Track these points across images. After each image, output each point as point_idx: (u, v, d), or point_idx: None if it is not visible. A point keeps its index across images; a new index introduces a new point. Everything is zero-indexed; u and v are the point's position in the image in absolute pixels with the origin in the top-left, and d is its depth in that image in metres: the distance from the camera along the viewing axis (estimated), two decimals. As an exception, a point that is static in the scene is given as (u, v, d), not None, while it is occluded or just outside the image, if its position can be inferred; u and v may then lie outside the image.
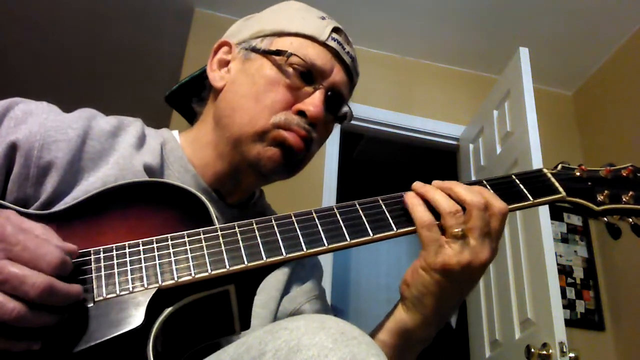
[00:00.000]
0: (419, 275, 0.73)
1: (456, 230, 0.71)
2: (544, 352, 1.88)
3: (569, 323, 2.32)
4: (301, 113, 0.86)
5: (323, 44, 0.89)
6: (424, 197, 0.74)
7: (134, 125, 0.87)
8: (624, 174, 0.86)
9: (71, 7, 3.22)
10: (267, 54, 0.88)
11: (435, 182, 0.76)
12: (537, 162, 2.16)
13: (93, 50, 3.52)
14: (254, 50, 0.90)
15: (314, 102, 0.86)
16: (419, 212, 0.72)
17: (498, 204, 0.73)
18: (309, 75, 0.87)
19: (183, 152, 0.90)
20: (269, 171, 0.86)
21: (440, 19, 3.07)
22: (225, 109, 0.89)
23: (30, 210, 0.71)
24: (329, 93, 0.89)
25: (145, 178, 0.80)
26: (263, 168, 0.86)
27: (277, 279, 0.91)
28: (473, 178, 2.78)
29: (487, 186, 0.80)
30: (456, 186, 0.74)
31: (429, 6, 2.99)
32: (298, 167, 0.90)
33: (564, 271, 2.77)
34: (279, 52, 0.87)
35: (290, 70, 0.87)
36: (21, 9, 3.23)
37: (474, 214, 0.71)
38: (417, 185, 0.76)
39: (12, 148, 0.74)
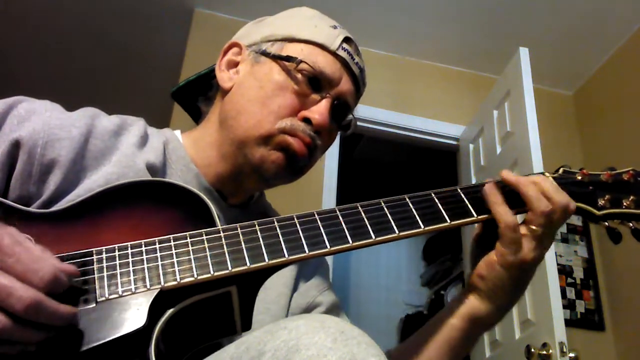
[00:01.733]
0: (496, 271, 0.77)
1: (537, 228, 0.75)
2: (544, 352, 1.89)
3: (569, 323, 2.32)
4: (307, 120, 0.86)
5: (333, 54, 0.89)
6: (516, 187, 0.78)
7: (136, 125, 0.87)
8: (625, 178, 0.86)
9: (71, 8, 3.22)
10: (277, 58, 0.89)
11: (526, 178, 0.79)
12: (537, 162, 2.16)
13: (93, 50, 3.52)
14: (264, 54, 0.90)
15: (320, 110, 0.86)
16: (504, 213, 0.76)
17: (573, 205, 0.78)
18: (317, 83, 0.88)
19: (185, 152, 0.90)
20: (271, 175, 0.87)
21: (440, 19, 3.07)
22: (231, 110, 0.89)
23: (33, 209, 0.71)
24: (336, 102, 0.89)
25: (148, 177, 0.80)
26: (266, 172, 0.86)
27: (284, 275, 0.91)
28: (473, 178, 2.78)
29: None
30: (545, 182, 0.78)
31: (429, 6, 2.99)
32: (300, 173, 0.91)
33: (564, 271, 2.77)
34: (289, 58, 0.87)
35: (299, 76, 0.87)
36: (21, 9, 3.22)
37: (559, 215, 0.76)
38: (509, 175, 0.79)
39: (16, 146, 0.74)
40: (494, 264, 0.77)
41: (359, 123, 3.30)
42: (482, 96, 2.94)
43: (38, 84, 3.66)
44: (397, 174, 4.36)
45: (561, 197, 0.77)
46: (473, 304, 0.80)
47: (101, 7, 3.21)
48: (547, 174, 0.85)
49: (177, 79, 2.88)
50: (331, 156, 2.87)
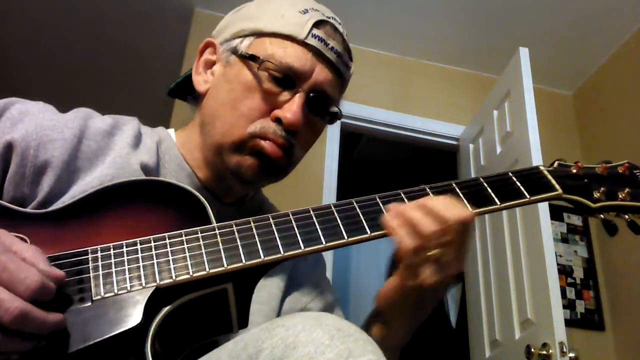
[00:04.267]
0: (399, 295, 0.75)
1: (434, 251, 0.70)
2: (544, 352, 1.88)
3: (569, 323, 2.32)
4: (279, 120, 0.83)
5: (302, 43, 0.84)
6: (402, 217, 0.71)
7: (130, 124, 0.86)
8: (620, 171, 0.87)
9: (71, 8, 3.22)
10: (244, 58, 0.86)
11: (411, 204, 0.73)
12: (537, 162, 2.15)
13: (93, 51, 3.52)
14: (234, 52, 0.87)
15: (292, 108, 0.82)
16: (404, 237, 0.70)
17: (468, 215, 0.72)
18: (287, 79, 0.84)
19: (179, 151, 0.89)
20: (250, 180, 0.85)
21: (440, 18, 3.06)
22: (207, 115, 0.88)
23: (28, 210, 0.71)
24: (311, 94, 0.85)
25: (142, 177, 0.80)
26: (244, 177, 0.85)
27: (278, 275, 0.90)
28: (468, 178, 2.77)
29: (485, 184, 0.80)
30: (432, 201, 0.72)
31: (429, 6, 2.99)
32: (283, 173, 0.88)
33: (564, 271, 2.77)
34: (253, 57, 0.84)
35: (266, 75, 0.83)
36: (21, 9, 3.23)
37: (454, 231, 0.70)
38: (393, 206, 0.73)
39: (8, 147, 0.74)
40: (397, 288, 0.74)
41: (359, 123, 3.27)
42: (482, 96, 2.94)
43: (38, 84, 3.67)
44: (397, 174, 4.35)
45: (452, 213, 0.70)
46: (379, 329, 0.79)
47: (101, 7, 3.21)
48: (542, 167, 0.85)
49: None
50: (331, 156, 2.87)
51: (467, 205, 0.76)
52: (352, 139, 4.00)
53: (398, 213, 0.72)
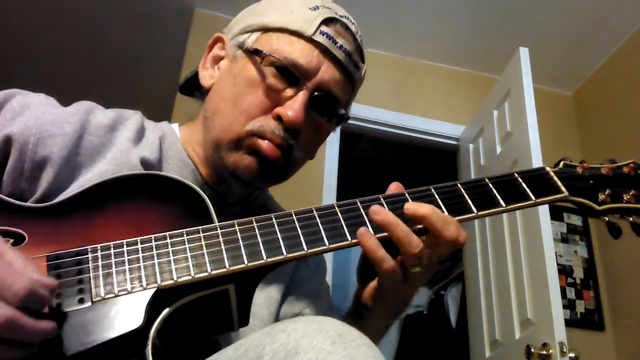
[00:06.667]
0: (377, 301, 0.76)
1: (413, 269, 0.70)
2: (544, 352, 1.88)
3: (569, 323, 2.31)
4: (280, 118, 0.80)
5: (309, 40, 0.81)
6: (385, 228, 0.69)
7: (133, 119, 0.84)
8: (625, 171, 0.85)
9: (72, 8, 3.21)
10: (249, 53, 0.83)
11: (410, 206, 0.71)
12: (537, 162, 2.15)
13: (93, 51, 3.52)
14: (241, 47, 0.85)
15: (293, 106, 0.79)
16: (378, 255, 0.69)
17: (462, 238, 0.70)
18: (291, 75, 0.81)
19: (182, 146, 0.87)
20: (248, 180, 0.83)
21: (440, 19, 3.06)
22: (209, 110, 0.86)
23: (26, 204, 0.70)
24: (316, 93, 0.81)
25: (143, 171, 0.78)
26: (242, 177, 0.82)
27: (278, 278, 0.88)
28: (473, 178, 2.76)
29: (490, 185, 0.79)
30: (432, 215, 0.69)
31: (429, 6, 2.99)
32: (282, 175, 0.85)
33: (564, 271, 2.77)
34: (257, 52, 0.81)
35: (269, 70, 0.81)
36: (22, 9, 3.22)
37: (443, 245, 0.70)
38: (376, 211, 0.70)
39: (7, 142, 0.73)
40: (374, 295, 0.76)
41: (359, 123, 3.24)
42: (482, 96, 2.94)
43: (38, 84, 3.66)
44: (397, 174, 4.35)
45: (451, 232, 0.68)
46: (358, 323, 0.79)
47: (101, 7, 3.21)
48: (547, 168, 0.84)
49: (177, 78, 2.87)
50: (331, 156, 2.87)
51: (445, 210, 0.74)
52: (352, 139, 3.99)
53: (380, 221, 0.70)
